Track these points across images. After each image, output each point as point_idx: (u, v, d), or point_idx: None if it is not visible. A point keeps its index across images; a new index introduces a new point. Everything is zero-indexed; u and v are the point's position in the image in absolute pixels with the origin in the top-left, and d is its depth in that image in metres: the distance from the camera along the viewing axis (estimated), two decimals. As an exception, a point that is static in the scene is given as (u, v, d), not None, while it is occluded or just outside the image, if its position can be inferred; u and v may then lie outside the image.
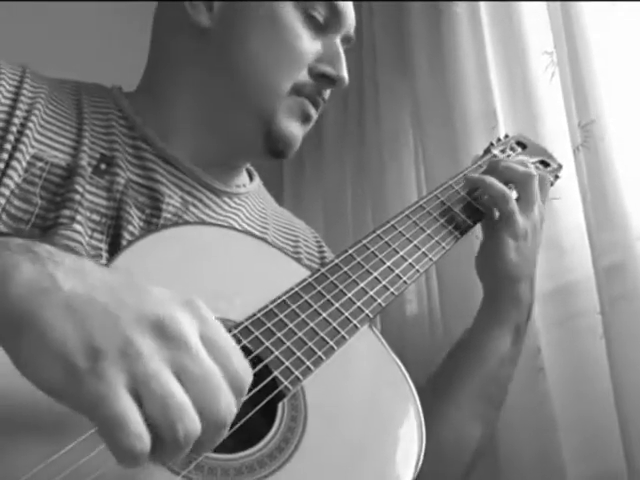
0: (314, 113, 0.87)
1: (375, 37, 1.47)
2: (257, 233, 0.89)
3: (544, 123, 1.09)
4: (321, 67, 0.85)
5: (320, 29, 0.86)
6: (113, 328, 0.43)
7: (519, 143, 1.00)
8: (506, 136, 1.01)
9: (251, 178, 0.99)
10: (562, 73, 1.07)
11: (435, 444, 0.79)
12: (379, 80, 1.45)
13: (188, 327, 0.45)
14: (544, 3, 1.13)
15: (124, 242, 0.75)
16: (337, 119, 1.59)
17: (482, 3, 1.23)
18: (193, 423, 0.42)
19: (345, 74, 0.86)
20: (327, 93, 0.88)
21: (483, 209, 0.86)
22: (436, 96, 1.29)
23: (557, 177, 0.98)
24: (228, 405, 0.45)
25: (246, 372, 0.47)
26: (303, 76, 0.84)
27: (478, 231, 0.94)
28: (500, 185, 0.84)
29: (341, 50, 0.88)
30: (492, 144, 0.99)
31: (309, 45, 0.85)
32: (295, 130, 0.86)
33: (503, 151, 0.97)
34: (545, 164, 0.97)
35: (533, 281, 0.88)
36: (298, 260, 0.81)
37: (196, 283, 0.64)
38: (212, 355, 0.45)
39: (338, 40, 0.88)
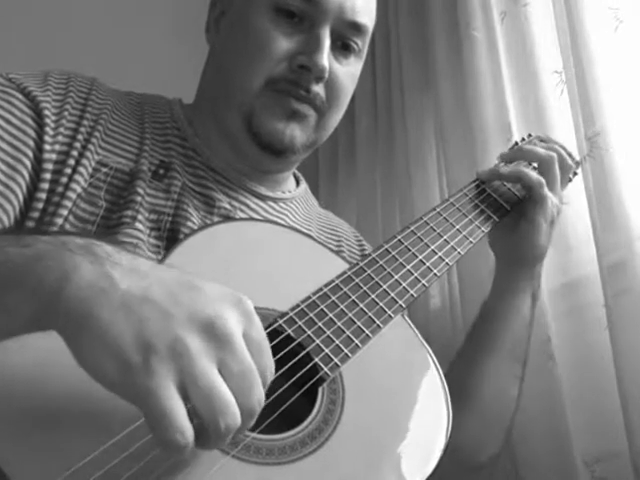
0: (303, 108, 0.80)
1: (402, 58, 1.46)
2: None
3: (554, 135, 1.07)
4: (298, 59, 0.78)
5: (298, 22, 0.79)
6: (165, 326, 0.43)
7: (542, 142, 0.99)
8: (529, 135, 1.01)
9: (298, 184, 0.97)
10: (570, 90, 1.07)
11: (480, 406, 0.79)
12: (406, 97, 1.44)
13: (234, 326, 0.45)
14: (554, 28, 1.13)
15: (181, 237, 0.74)
16: (369, 131, 1.58)
17: (498, 28, 1.23)
18: (234, 418, 0.43)
19: (321, 61, 0.77)
20: (317, 85, 0.80)
21: (501, 201, 0.86)
22: (457, 111, 1.29)
23: (575, 174, 0.99)
24: (259, 398, 0.45)
25: (272, 369, 0.48)
26: (280, 71, 0.78)
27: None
28: (534, 173, 0.85)
29: (322, 38, 0.78)
30: (517, 143, 0.99)
31: (280, 41, 0.78)
32: (280, 126, 0.79)
33: None
34: None
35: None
36: (340, 255, 0.80)
37: (245, 275, 0.64)
38: (250, 351, 0.45)
39: (323, 30, 0.79)
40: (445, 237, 0.78)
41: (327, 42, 0.79)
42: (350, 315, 0.66)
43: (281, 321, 0.62)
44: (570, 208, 1.07)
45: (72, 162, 0.74)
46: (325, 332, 0.63)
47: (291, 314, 0.63)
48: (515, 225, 0.87)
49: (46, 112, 0.75)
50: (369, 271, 0.71)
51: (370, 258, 0.73)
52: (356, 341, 0.64)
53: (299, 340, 0.61)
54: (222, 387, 0.43)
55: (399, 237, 0.76)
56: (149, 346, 0.42)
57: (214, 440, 0.43)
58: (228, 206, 0.82)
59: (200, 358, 0.42)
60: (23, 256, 0.46)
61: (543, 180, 0.84)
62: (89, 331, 0.42)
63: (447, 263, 0.76)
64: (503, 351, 0.85)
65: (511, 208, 0.87)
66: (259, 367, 0.46)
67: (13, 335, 0.46)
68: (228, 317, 0.45)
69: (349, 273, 0.70)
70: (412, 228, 0.78)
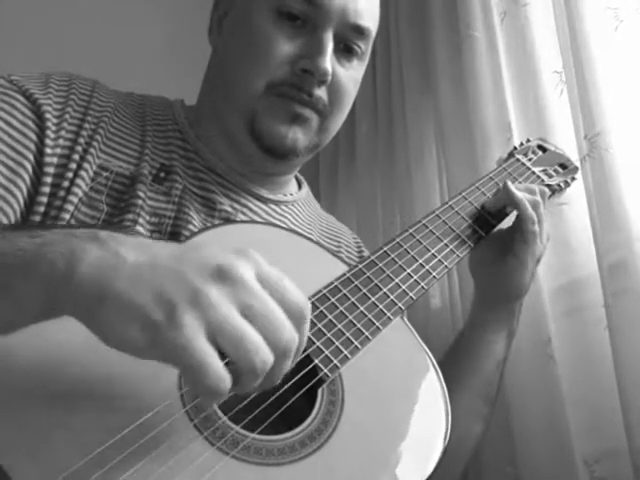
0: (305, 111, 0.79)
1: (402, 60, 1.46)
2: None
3: (554, 135, 1.09)
4: (300, 63, 0.77)
5: (300, 25, 0.78)
6: (180, 282, 0.43)
7: (540, 147, 0.99)
8: (528, 140, 1.01)
9: (300, 187, 0.97)
10: (570, 90, 1.07)
11: None
12: (406, 99, 1.44)
13: (245, 269, 0.45)
14: (554, 28, 1.13)
15: (182, 240, 0.74)
16: (369, 134, 1.58)
17: (498, 28, 1.23)
18: (267, 355, 0.44)
19: (324, 64, 0.77)
20: (319, 89, 0.79)
21: (496, 222, 0.85)
22: (457, 112, 1.29)
23: (574, 178, 0.98)
24: (290, 334, 0.45)
25: (302, 301, 0.47)
26: (282, 75, 0.78)
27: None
28: (531, 210, 0.82)
29: (325, 42, 0.78)
30: (515, 148, 0.99)
31: (282, 44, 0.77)
32: (282, 129, 0.79)
33: (525, 154, 0.97)
34: (563, 167, 0.97)
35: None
36: (340, 258, 0.79)
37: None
38: (269, 291, 0.46)
39: (326, 33, 0.78)
40: (445, 241, 0.78)
41: (330, 45, 0.78)
42: (350, 317, 0.66)
43: (281, 322, 0.62)
44: (570, 208, 1.07)
45: (74, 166, 0.74)
46: (325, 334, 0.63)
47: (291, 316, 0.63)
48: (501, 261, 0.85)
49: (47, 115, 0.74)
50: (369, 273, 0.71)
51: (369, 260, 0.73)
52: (356, 343, 0.64)
53: None
54: (247, 328, 0.43)
55: (398, 240, 0.76)
56: (170, 303, 0.42)
57: (249, 380, 0.44)
58: (229, 209, 0.82)
59: (221, 304, 0.43)
60: (33, 244, 0.47)
61: (536, 217, 0.82)
62: (107, 305, 0.43)
63: (446, 266, 0.76)
64: (471, 388, 0.84)
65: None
66: (284, 303, 0.46)
67: (24, 325, 0.46)
68: (236, 262, 0.46)
69: (349, 275, 0.70)
70: (411, 231, 0.78)
